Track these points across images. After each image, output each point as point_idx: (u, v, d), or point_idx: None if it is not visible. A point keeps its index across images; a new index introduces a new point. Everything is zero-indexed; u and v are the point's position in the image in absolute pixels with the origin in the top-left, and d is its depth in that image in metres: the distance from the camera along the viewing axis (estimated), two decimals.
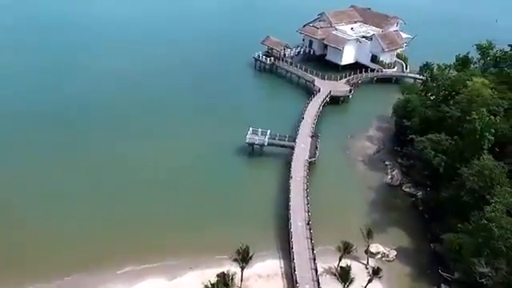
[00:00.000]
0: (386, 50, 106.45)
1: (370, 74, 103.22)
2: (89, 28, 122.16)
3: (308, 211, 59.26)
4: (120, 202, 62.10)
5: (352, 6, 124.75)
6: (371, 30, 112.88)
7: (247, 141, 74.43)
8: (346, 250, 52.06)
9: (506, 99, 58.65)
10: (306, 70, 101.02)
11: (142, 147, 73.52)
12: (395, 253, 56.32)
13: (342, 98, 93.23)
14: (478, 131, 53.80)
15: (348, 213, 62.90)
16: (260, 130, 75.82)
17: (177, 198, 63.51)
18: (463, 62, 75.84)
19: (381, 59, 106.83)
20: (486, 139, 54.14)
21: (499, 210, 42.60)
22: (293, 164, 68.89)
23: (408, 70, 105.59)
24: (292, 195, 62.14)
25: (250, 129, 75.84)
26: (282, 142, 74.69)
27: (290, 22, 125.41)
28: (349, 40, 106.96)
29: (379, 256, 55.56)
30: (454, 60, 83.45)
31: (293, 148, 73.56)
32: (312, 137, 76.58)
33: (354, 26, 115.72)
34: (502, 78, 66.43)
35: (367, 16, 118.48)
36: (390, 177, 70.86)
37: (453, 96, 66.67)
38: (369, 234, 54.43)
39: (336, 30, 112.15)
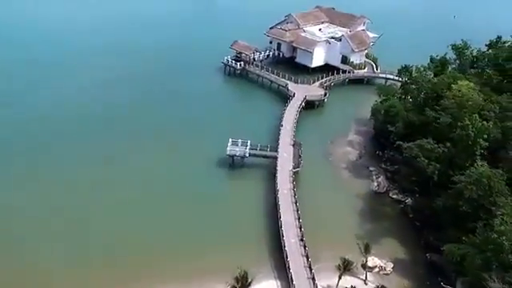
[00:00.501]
0: (356, 50, 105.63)
1: (342, 76, 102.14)
2: (42, 40, 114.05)
3: (300, 227, 56.97)
4: (95, 227, 57.46)
5: (317, 7, 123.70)
6: (339, 31, 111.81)
7: (228, 153, 71.22)
8: (345, 267, 49.98)
9: (493, 103, 58.39)
10: (278, 74, 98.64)
11: (115, 166, 68.77)
12: (392, 265, 54.75)
13: (317, 103, 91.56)
14: (472, 137, 53.13)
15: (340, 225, 60.88)
16: (240, 140, 72.77)
17: (158, 219, 59.39)
18: (441, 64, 75.52)
19: (351, 60, 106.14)
20: (479, 145, 53.58)
21: (508, 223, 41.65)
22: (278, 175, 66.33)
23: (379, 71, 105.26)
24: (282, 210, 59.47)
25: (230, 140, 72.82)
26: (264, 153, 71.92)
27: (255, 25, 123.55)
28: (318, 42, 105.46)
29: (376, 270, 53.89)
30: (429, 60, 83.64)
31: (275, 158, 70.98)
32: (293, 145, 74.40)
33: (321, 26, 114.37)
34: (484, 80, 66.41)
35: (333, 16, 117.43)
36: (376, 184, 69.48)
37: (436, 99, 66.03)
38: (366, 249, 52.70)
39: (304, 31, 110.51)
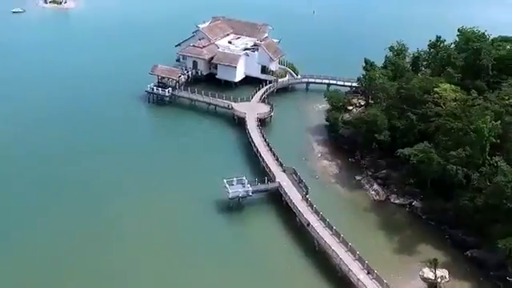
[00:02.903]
0: (275, 59, 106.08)
1: (271, 87, 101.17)
2: None
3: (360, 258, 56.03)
4: None
5: (214, 18, 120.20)
6: (249, 41, 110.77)
7: (230, 196, 65.87)
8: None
9: (474, 99, 64.64)
10: (213, 95, 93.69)
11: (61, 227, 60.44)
12: (447, 271, 57.64)
13: (267, 119, 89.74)
14: (486, 137, 58.32)
15: (366, 243, 60.54)
16: (235, 179, 68.01)
17: None
18: (396, 68, 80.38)
19: (270, 69, 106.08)
20: (490, 143, 59.18)
21: None
22: (298, 208, 63.95)
23: (299, 76, 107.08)
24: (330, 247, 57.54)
25: (225, 181, 67.45)
26: (265, 186, 68.37)
27: (156, 43, 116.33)
28: (240, 56, 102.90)
29: (439, 280, 56.07)
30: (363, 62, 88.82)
31: (277, 189, 68.16)
32: (284, 171, 72.06)
33: (229, 39, 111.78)
34: (447, 78, 72.74)
35: (237, 26, 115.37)
36: (373, 192, 71.54)
37: (415, 103, 70.42)
38: (435, 264, 54.47)
39: (217, 46, 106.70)
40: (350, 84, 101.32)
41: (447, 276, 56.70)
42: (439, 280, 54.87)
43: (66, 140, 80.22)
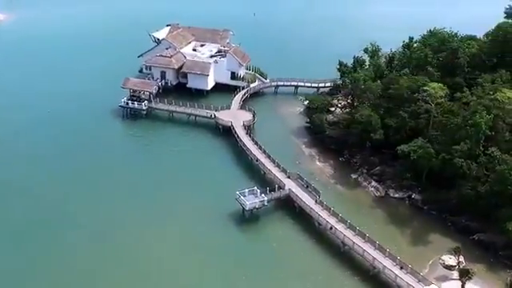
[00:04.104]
0: (243, 64, 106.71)
1: (245, 92, 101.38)
2: None
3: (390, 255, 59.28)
4: None
5: (169, 25, 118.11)
6: (213, 48, 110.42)
7: (247, 207, 66.21)
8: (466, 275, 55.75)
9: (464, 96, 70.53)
10: (192, 106, 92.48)
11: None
12: (462, 256, 62.44)
13: (251, 126, 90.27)
14: (482, 130, 64.00)
15: (387, 239, 63.79)
16: (247, 190, 68.35)
17: None
18: (378, 69, 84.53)
19: (239, 75, 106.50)
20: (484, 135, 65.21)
21: None
22: (313, 211, 65.94)
23: (268, 80, 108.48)
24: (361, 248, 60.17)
25: (237, 193, 67.71)
26: (277, 194, 69.35)
27: (110, 55, 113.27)
28: (210, 63, 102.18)
29: (461, 266, 60.57)
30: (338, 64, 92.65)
31: (289, 196, 69.53)
32: (289, 177, 73.46)
33: (192, 46, 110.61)
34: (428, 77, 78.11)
35: (198, 33, 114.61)
36: (373, 189, 75.20)
37: (403, 102, 75.06)
38: (456, 252, 58.99)
39: (183, 54, 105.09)
40: (316, 85, 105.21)
41: (463, 261, 61.94)
42: (462, 266, 59.64)
43: (56, 176, 75.17)
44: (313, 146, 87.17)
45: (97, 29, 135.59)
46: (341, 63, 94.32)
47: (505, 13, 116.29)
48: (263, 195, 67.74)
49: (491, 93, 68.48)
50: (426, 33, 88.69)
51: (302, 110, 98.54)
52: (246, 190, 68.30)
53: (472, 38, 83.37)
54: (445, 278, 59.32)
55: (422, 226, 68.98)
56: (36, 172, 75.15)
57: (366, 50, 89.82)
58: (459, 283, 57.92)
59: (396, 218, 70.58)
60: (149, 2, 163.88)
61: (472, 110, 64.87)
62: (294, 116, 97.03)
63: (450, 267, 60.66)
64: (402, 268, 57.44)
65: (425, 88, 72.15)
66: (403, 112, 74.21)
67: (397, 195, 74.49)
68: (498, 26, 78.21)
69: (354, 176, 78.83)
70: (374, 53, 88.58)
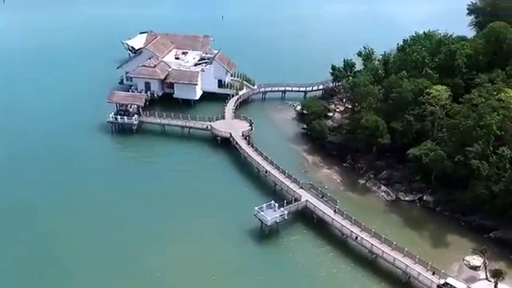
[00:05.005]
0: (230, 71, 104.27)
1: (237, 100, 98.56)
2: None
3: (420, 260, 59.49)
4: None
5: (143, 33, 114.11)
6: (196, 55, 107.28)
7: (269, 223, 64.42)
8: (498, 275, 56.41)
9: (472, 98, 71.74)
10: (185, 117, 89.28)
11: None
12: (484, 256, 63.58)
13: (249, 135, 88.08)
14: (493, 131, 65.42)
15: (408, 243, 63.93)
16: (265, 205, 66.57)
17: None
18: (375, 72, 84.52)
19: (226, 82, 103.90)
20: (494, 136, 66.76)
21: None
22: (335, 221, 65.20)
23: (256, 86, 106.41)
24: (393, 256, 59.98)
25: (256, 208, 65.90)
26: (295, 207, 67.93)
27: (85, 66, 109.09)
28: (198, 72, 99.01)
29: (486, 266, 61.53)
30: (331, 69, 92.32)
31: (306, 207, 68.32)
32: (302, 187, 72.16)
33: (175, 54, 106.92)
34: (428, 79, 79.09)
35: (177, 40, 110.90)
36: (383, 194, 75.26)
37: (407, 104, 75.64)
38: (484, 253, 59.82)
39: (166, 63, 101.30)
40: (304, 89, 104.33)
41: (487, 261, 63.14)
42: (487, 265, 60.73)
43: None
44: (314, 152, 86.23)
45: (63, 38, 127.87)
46: (333, 67, 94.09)
47: (468, 9, 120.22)
48: (282, 209, 66.25)
49: (495, 93, 70.19)
50: (414, 34, 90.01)
51: (294, 115, 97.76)
52: (264, 205, 66.57)
53: (463, 38, 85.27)
54: (473, 279, 60.18)
55: (438, 228, 69.85)
56: (27, 199, 70.49)
57: (359, 54, 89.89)
58: (488, 283, 59.15)
59: (411, 221, 71.10)
60: (109, 8, 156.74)
61: (483, 112, 66.12)
62: (287, 122, 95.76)
63: (475, 268, 61.63)
64: (434, 273, 57.82)
65: (430, 90, 73.08)
66: (408, 115, 74.81)
67: (407, 198, 75.03)
68: (491, 27, 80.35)
69: (361, 181, 78.65)
70: (367, 56, 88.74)
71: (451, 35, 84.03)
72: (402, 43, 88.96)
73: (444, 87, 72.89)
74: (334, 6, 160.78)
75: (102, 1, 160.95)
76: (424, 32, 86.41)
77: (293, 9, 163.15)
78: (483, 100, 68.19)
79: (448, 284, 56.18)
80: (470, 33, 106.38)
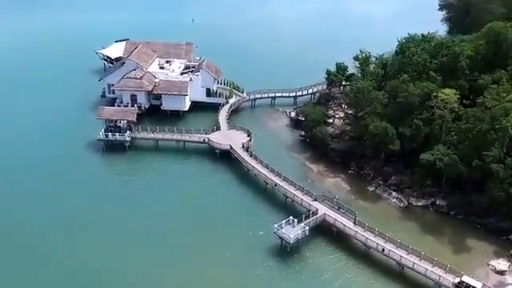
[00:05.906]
0: (218, 78, 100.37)
1: (229, 109, 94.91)
2: None
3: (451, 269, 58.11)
4: None
5: (118, 41, 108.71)
6: (180, 64, 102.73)
7: (292, 241, 61.27)
8: None
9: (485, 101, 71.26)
10: (179, 131, 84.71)
11: None
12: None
13: (249, 147, 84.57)
14: (509, 133, 65.09)
15: (428, 250, 62.47)
16: (284, 221, 63.50)
17: None
18: (377, 77, 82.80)
19: (214, 91, 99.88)
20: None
21: None
22: (358, 234, 62.96)
23: (245, 94, 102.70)
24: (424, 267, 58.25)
25: (275, 226, 62.97)
26: (315, 221, 65.09)
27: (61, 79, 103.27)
28: (187, 81, 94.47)
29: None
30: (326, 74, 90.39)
31: (324, 220, 65.72)
32: (316, 200, 69.49)
33: (158, 63, 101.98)
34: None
35: (159, 49, 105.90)
36: (395, 200, 73.81)
37: (414, 109, 74.50)
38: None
39: (152, 74, 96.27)
40: (294, 94, 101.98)
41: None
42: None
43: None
44: (316, 160, 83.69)
45: (29, 49, 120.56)
46: (329, 72, 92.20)
47: (439, 5, 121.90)
48: (302, 224, 63.41)
49: (504, 95, 70.10)
50: (406, 36, 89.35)
51: (288, 122, 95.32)
52: (283, 221, 63.51)
53: (463, 39, 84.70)
54: (502, 285, 59.64)
55: (455, 232, 68.98)
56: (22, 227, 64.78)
57: (356, 58, 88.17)
58: None
59: (427, 226, 69.90)
60: (70, 13, 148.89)
61: (498, 114, 65.75)
62: (283, 130, 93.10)
63: (501, 272, 61.17)
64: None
65: (438, 94, 72.25)
66: (417, 120, 73.70)
67: (420, 203, 73.84)
68: (490, 27, 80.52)
69: (370, 189, 76.82)
70: (365, 60, 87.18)
71: (452, 37, 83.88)
72: (395, 45, 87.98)
73: (453, 90, 72.16)
74: (300, 6, 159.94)
75: (61, 5, 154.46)
76: (422, 34, 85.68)
77: (261, 9, 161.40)
78: (496, 103, 67.87)
79: (463, 282, 55.70)
80: (442, 28, 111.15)
